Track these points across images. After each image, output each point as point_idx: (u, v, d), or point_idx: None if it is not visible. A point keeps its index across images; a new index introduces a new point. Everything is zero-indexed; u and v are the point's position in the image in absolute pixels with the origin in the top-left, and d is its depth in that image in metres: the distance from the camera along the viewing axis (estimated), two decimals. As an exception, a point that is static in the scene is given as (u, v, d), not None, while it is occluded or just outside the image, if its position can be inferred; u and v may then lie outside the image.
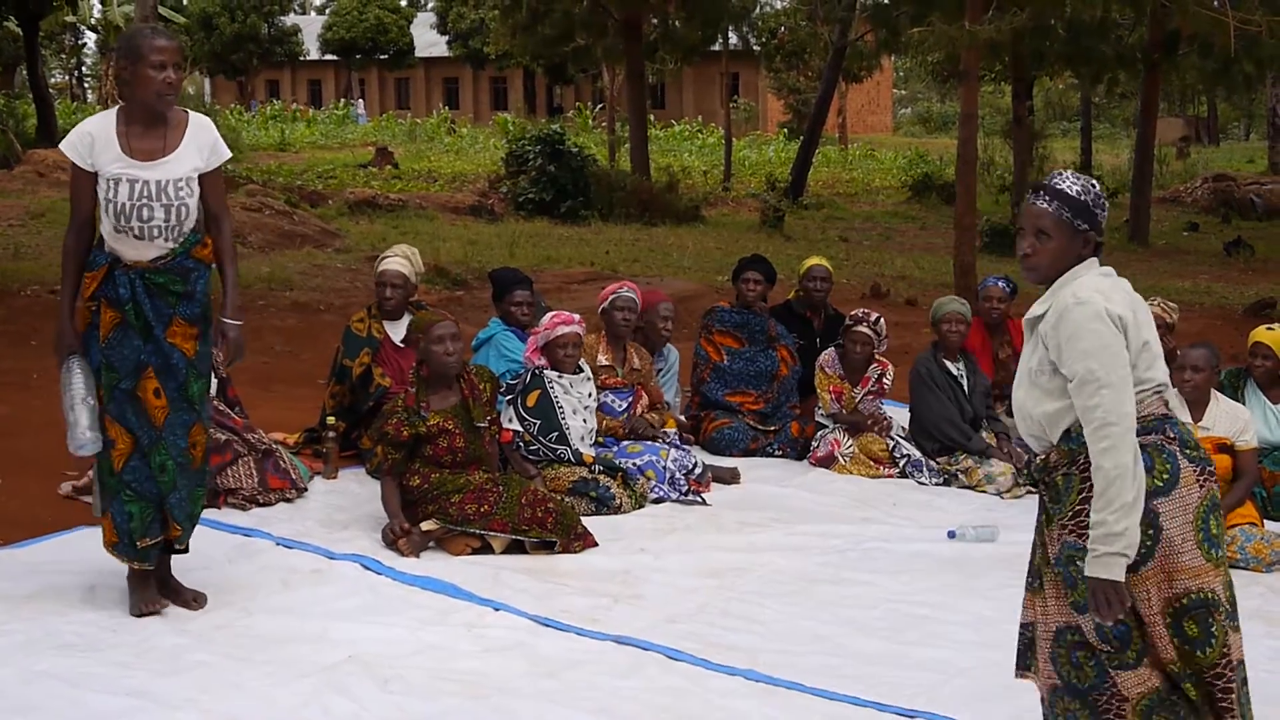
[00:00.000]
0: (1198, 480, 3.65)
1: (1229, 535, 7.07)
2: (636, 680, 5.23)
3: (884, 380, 9.14)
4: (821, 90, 32.17)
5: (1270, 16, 13.48)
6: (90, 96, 58.09)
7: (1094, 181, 3.91)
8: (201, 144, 5.25)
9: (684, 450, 8.13)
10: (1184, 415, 3.93)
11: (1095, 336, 3.62)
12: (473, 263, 15.82)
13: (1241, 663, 3.70)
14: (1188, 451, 3.69)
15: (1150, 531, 3.55)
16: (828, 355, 9.06)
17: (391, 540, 6.63)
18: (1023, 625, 4.05)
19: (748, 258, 9.52)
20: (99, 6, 39.52)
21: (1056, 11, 14.89)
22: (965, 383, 8.78)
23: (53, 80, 42.96)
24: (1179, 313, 9.38)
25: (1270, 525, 7.45)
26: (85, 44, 58.76)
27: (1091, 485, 3.56)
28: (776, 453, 8.89)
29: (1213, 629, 3.59)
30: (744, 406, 9.02)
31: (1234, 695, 3.64)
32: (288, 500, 7.23)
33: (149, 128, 5.15)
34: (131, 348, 5.22)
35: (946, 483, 8.45)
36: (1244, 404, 7.76)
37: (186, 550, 5.68)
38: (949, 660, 5.58)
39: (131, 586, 5.53)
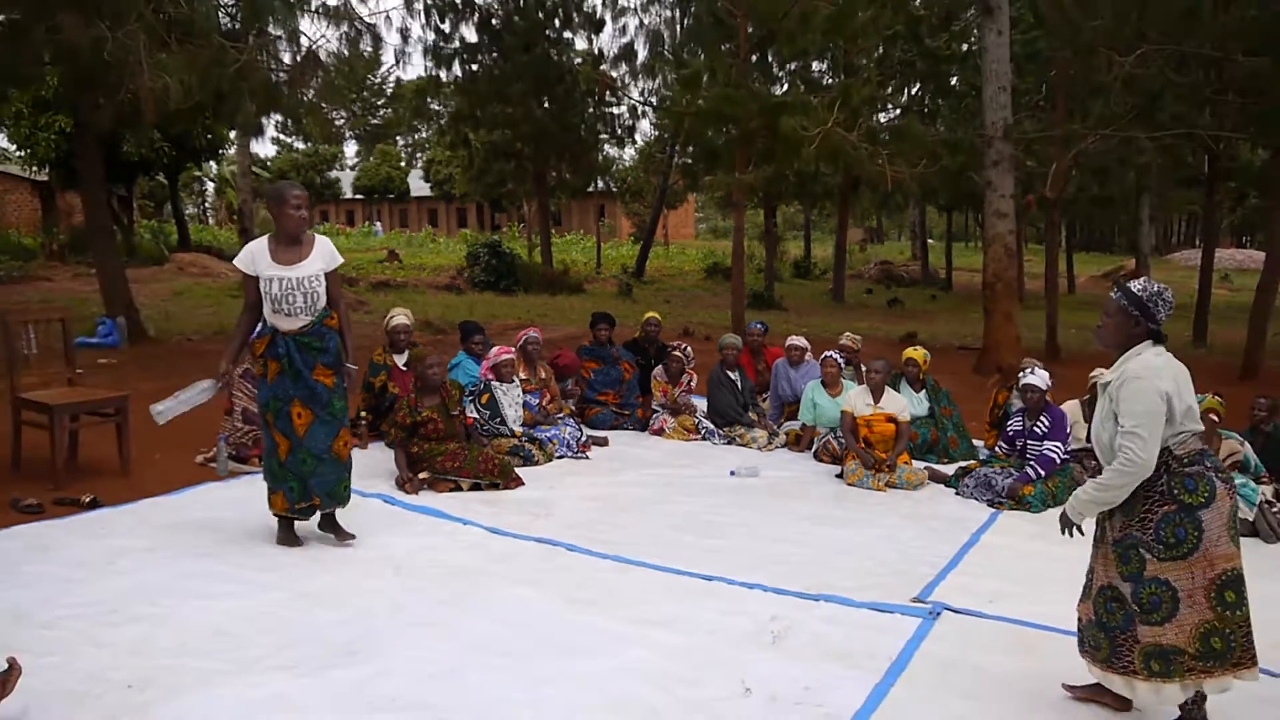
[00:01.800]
0: (1228, 494, 3.42)
1: (900, 472, 7.28)
2: (551, 564, 5.26)
3: (691, 383, 9.23)
4: (653, 213, 32.36)
5: (911, 170, 13.81)
6: (211, 220, 56.73)
7: (1160, 286, 3.59)
8: (324, 254, 5.17)
9: (574, 426, 8.15)
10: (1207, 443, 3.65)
11: (1143, 402, 3.41)
12: (447, 319, 15.69)
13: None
14: (1220, 474, 3.44)
15: (1195, 533, 3.36)
16: (659, 369, 9.13)
17: (401, 485, 6.61)
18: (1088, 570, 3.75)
19: (597, 314, 9.55)
20: (214, 166, 38.71)
21: (788, 166, 15.17)
22: (739, 384, 8.90)
23: (187, 210, 41.93)
24: (862, 341, 9.55)
25: (916, 462, 7.63)
26: (206, 188, 57.35)
27: (1156, 499, 3.42)
28: (629, 427, 8.92)
29: (1243, 593, 3.44)
30: (607, 401, 9.05)
31: (1253, 643, 3.47)
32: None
33: (289, 245, 5.09)
34: (286, 386, 5.12)
35: (729, 443, 8.53)
36: (900, 393, 7.94)
37: (332, 512, 5.46)
38: (731, 545, 5.66)
39: (280, 530, 5.43)
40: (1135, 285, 3.58)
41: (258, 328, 5.20)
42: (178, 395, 5.30)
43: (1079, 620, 3.75)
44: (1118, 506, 3.54)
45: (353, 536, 5.46)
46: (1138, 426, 3.38)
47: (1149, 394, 3.40)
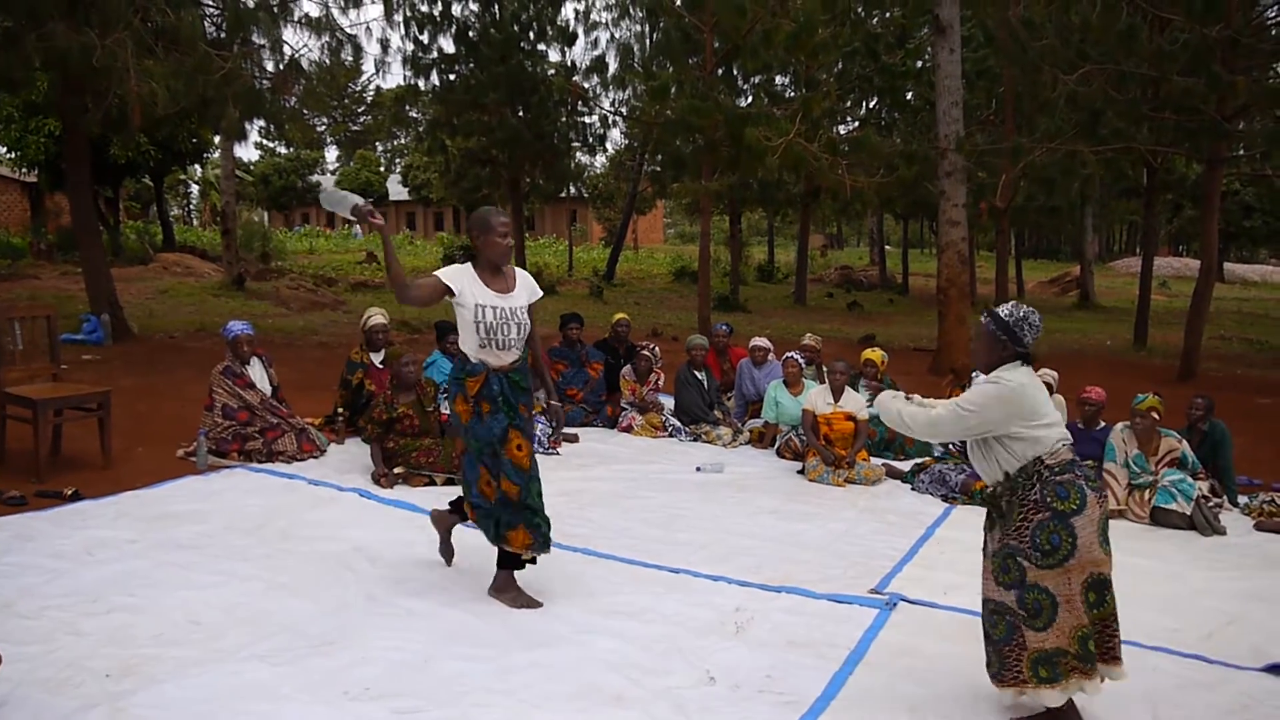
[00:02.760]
0: (1098, 502, 3.41)
1: (858, 468, 7.28)
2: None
3: (659, 382, 9.20)
4: (623, 219, 32.31)
5: (869, 179, 13.88)
6: (195, 221, 56.15)
7: (1027, 311, 3.59)
8: (527, 286, 4.59)
9: (546, 424, 8.09)
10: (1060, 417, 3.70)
11: (985, 398, 3.45)
12: (423, 319, 15.57)
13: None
14: (1091, 484, 3.42)
15: (1070, 539, 3.34)
16: (627, 369, 9.08)
17: (376, 479, 6.51)
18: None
19: (567, 314, 9.50)
20: (199, 169, 38.33)
21: (752, 175, 15.19)
22: (705, 383, 8.88)
23: (171, 212, 41.49)
24: (823, 342, 9.56)
25: (874, 459, 7.64)
26: (191, 190, 56.78)
27: (1031, 507, 3.40)
28: (599, 424, 8.88)
29: (1106, 594, 3.45)
30: (577, 399, 8.99)
31: (1117, 638, 3.51)
32: (315, 458, 7.05)
33: (495, 274, 4.46)
34: (500, 419, 4.35)
35: (695, 440, 8.51)
36: (858, 391, 7.94)
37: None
38: (696, 539, 5.63)
39: (506, 587, 4.56)
40: (1003, 310, 3.60)
41: (466, 364, 4.47)
42: (339, 190, 4.68)
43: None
44: (998, 519, 3.53)
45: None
46: (970, 408, 3.48)
47: (993, 395, 3.46)
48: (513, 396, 4.43)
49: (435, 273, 4.42)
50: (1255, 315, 25.52)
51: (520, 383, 4.48)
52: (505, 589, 4.53)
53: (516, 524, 4.40)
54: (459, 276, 4.39)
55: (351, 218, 4.44)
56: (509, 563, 4.53)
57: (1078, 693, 3.41)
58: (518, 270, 4.65)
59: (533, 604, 4.46)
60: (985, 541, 3.61)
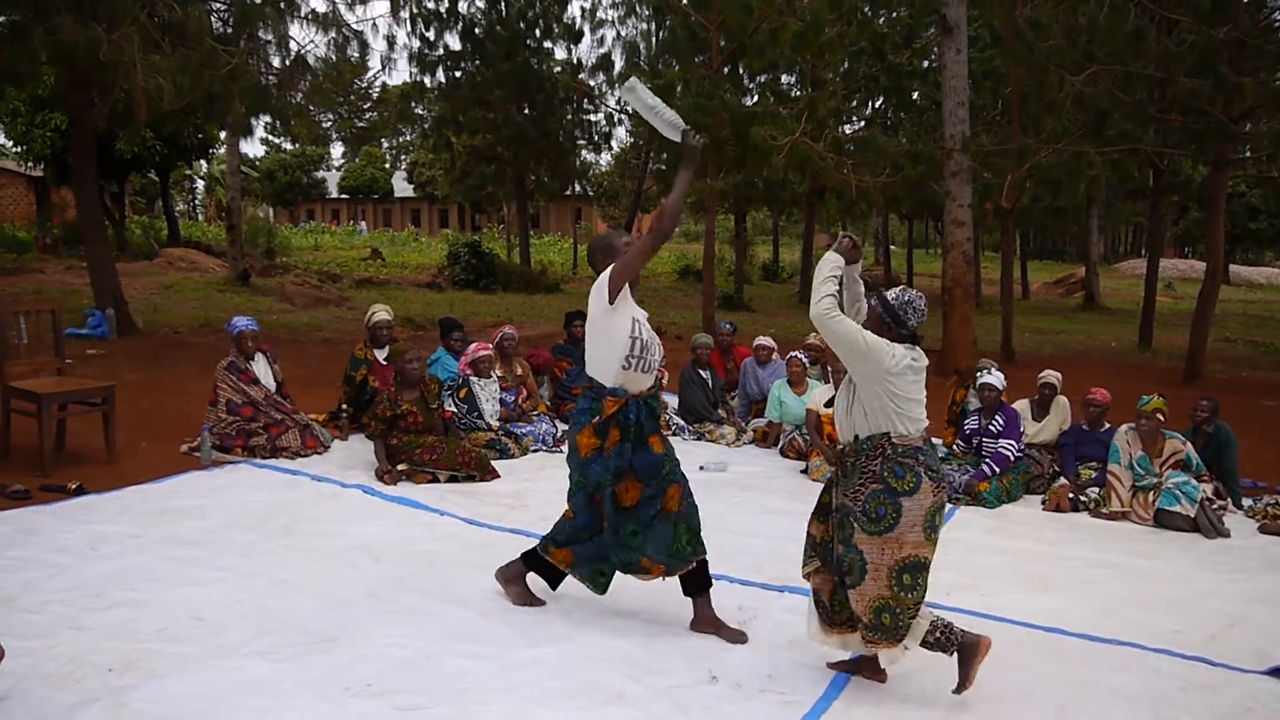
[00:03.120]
0: (933, 491, 3.52)
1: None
2: (523, 553, 5.21)
3: (663, 381, 9.16)
4: (627, 217, 32.26)
5: (874, 179, 13.84)
6: (200, 217, 56.23)
7: (912, 295, 3.67)
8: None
9: (550, 422, 8.09)
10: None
11: (874, 342, 3.54)
12: (428, 316, 15.58)
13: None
14: (930, 472, 3.53)
15: (894, 514, 3.48)
16: (631, 367, 9.06)
17: (380, 476, 6.51)
18: (808, 534, 3.88)
19: (571, 312, 9.46)
20: (205, 165, 38.37)
21: (757, 174, 15.18)
22: (710, 382, 8.87)
23: (177, 207, 41.56)
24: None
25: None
26: (196, 185, 56.86)
27: (869, 477, 3.52)
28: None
29: (919, 580, 3.53)
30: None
31: (915, 621, 3.56)
32: (318, 454, 7.06)
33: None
34: (626, 456, 4.03)
35: (699, 438, 8.51)
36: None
37: (699, 569, 4.24)
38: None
39: (514, 579, 4.46)
40: (890, 294, 3.69)
41: (602, 390, 4.08)
42: (658, 103, 4.12)
43: (816, 593, 3.83)
44: (840, 478, 3.66)
45: (742, 637, 4.21)
46: (862, 339, 3.55)
47: (878, 346, 3.54)
48: (647, 426, 4.11)
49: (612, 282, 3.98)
50: (1261, 317, 25.46)
51: (654, 409, 4.19)
52: (513, 581, 4.47)
53: (582, 569, 4.25)
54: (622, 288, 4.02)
55: (668, 133, 4.10)
56: (536, 565, 4.40)
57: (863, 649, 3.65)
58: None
59: (535, 602, 4.43)
60: (830, 498, 3.77)
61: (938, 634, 3.59)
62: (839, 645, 3.76)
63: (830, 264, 3.71)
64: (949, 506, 6.59)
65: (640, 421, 4.07)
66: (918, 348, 3.67)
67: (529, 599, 4.44)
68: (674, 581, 4.22)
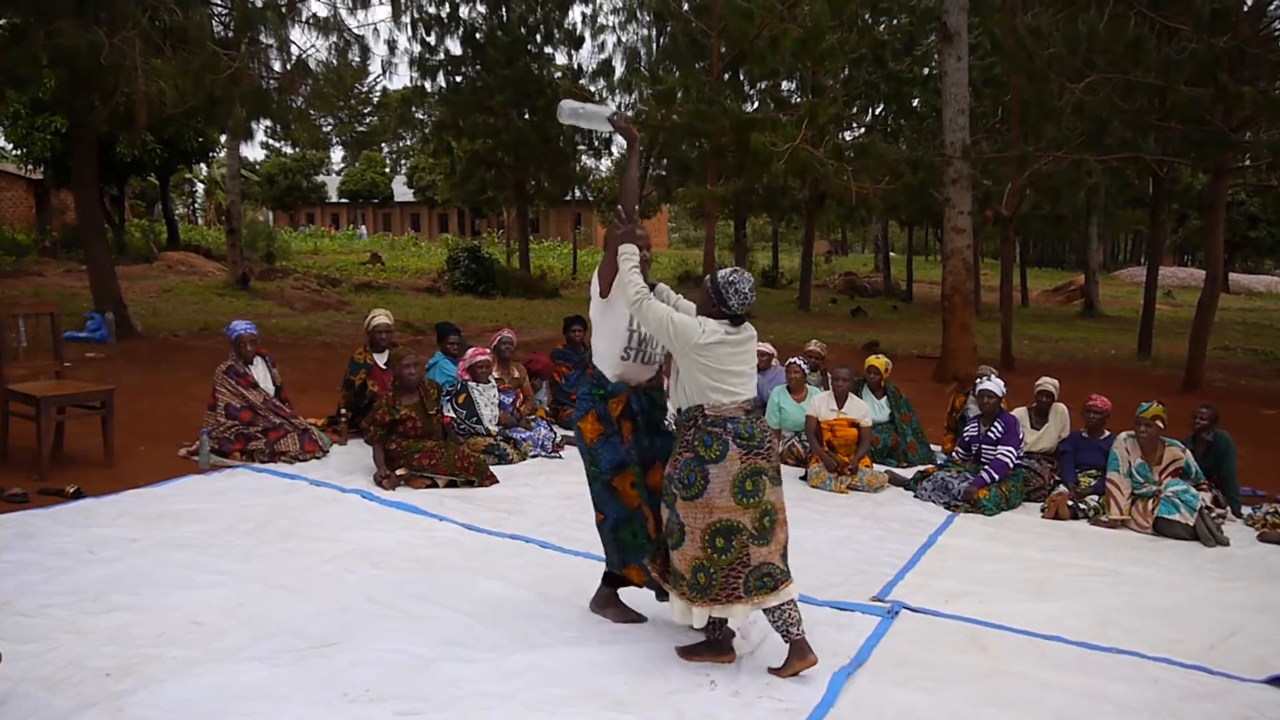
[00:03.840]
0: (740, 458, 3.72)
1: (861, 475, 7.26)
2: (522, 560, 5.20)
3: (664, 387, 9.17)
4: (627, 223, 32.30)
5: (874, 186, 13.87)
6: (200, 220, 56.24)
7: (738, 278, 3.84)
8: None
9: (549, 427, 8.08)
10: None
11: (680, 318, 3.80)
12: (427, 320, 15.58)
13: (760, 565, 3.73)
14: (739, 440, 3.74)
15: (703, 481, 3.72)
16: (631, 372, 9.07)
17: (378, 481, 6.50)
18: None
19: (570, 317, 9.46)
20: (205, 168, 38.43)
21: (757, 180, 15.20)
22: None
23: (176, 210, 41.59)
24: (827, 348, 9.54)
25: (877, 466, 7.61)
26: (196, 189, 56.90)
27: (684, 446, 3.80)
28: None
29: (733, 542, 3.70)
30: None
31: (740, 582, 3.73)
32: (317, 458, 7.06)
33: None
34: (623, 451, 4.10)
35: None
36: (861, 398, 7.92)
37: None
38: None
39: (614, 608, 4.41)
40: (720, 274, 3.90)
41: (604, 383, 4.18)
42: (587, 106, 4.40)
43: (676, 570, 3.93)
44: (672, 449, 3.92)
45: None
46: (676, 321, 3.78)
47: (683, 323, 3.78)
48: (649, 415, 4.20)
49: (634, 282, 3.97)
50: (1260, 326, 25.47)
51: (657, 399, 4.26)
52: (607, 605, 4.43)
53: (630, 563, 4.20)
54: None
55: (605, 130, 4.32)
56: (622, 582, 4.38)
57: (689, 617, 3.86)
58: None
59: (636, 618, 4.37)
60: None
61: (784, 617, 3.82)
62: (681, 615, 3.91)
63: (629, 255, 3.97)
64: (947, 514, 6.60)
65: (644, 411, 4.19)
66: (744, 324, 3.90)
67: (628, 616, 4.38)
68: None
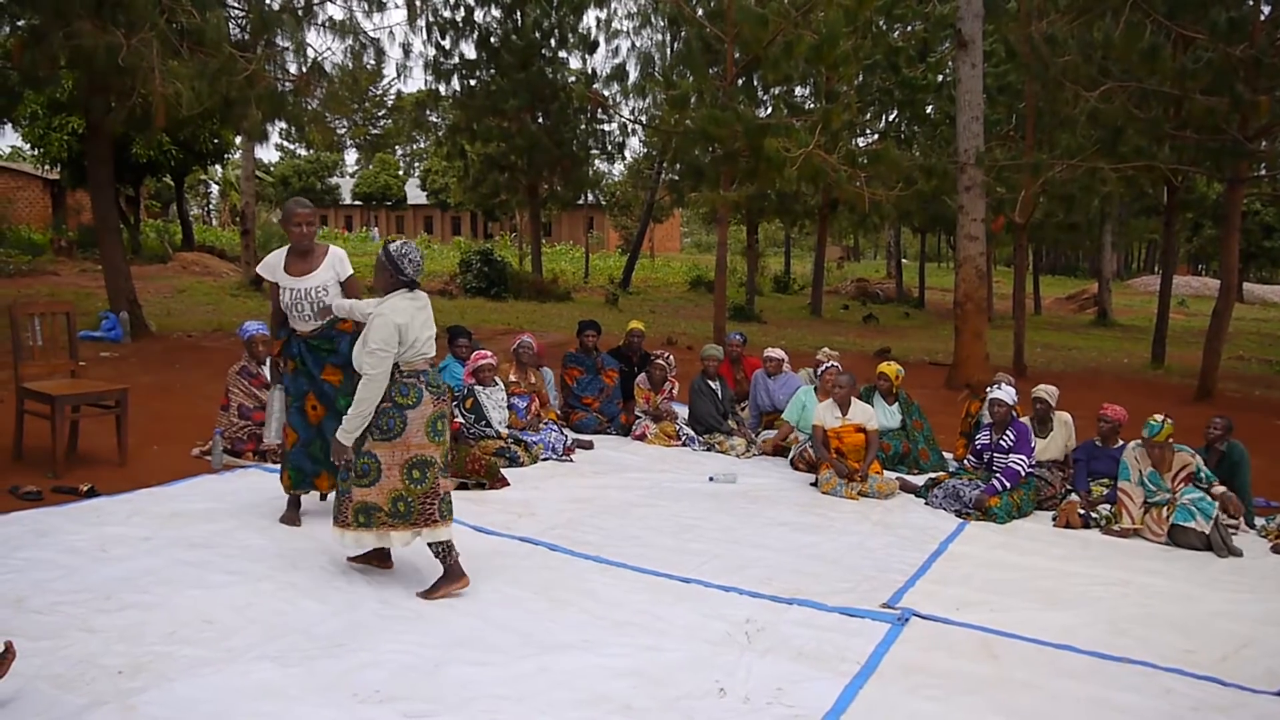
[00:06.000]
0: (432, 403, 4.47)
1: (872, 481, 7.24)
2: (531, 562, 5.20)
3: (673, 391, 9.19)
4: (640, 226, 32.32)
5: (887, 192, 13.84)
6: (214, 221, 56.49)
7: (409, 248, 4.50)
8: (333, 264, 5.38)
9: (560, 431, 8.09)
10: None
11: (383, 332, 4.32)
12: (439, 322, 15.56)
13: (447, 494, 4.51)
14: (430, 388, 4.47)
15: (401, 424, 4.40)
16: (642, 377, 9.08)
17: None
18: None
19: (584, 321, 9.49)
20: (220, 169, 38.59)
21: (770, 185, 15.17)
22: (719, 393, 8.86)
23: (191, 211, 41.77)
24: (839, 354, 9.50)
25: (888, 473, 7.59)
26: (211, 190, 57.15)
27: (385, 399, 4.40)
28: (613, 432, 8.87)
29: (427, 475, 4.43)
30: (593, 406, 8.99)
31: (434, 509, 4.46)
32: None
33: (300, 257, 5.34)
34: (301, 382, 5.40)
35: (709, 449, 8.49)
36: (872, 405, 7.89)
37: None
38: (708, 549, 5.60)
39: (286, 509, 5.62)
40: (392, 245, 4.49)
41: (281, 329, 5.45)
42: (271, 416, 5.56)
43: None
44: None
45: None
46: (377, 348, 4.33)
47: (387, 327, 4.34)
48: (310, 358, 5.36)
49: (258, 268, 5.48)
50: (1275, 336, 25.32)
51: (321, 346, 5.37)
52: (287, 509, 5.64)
53: (284, 469, 5.52)
54: (269, 267, 5.35)
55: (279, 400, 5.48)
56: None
57: (388, 540, 4.51)
58: (331, 249, 5.43)
59: (291, 521, 5.55)
60: None
61: (443, 549, 4.55)
62: (354, 542, 4.56)
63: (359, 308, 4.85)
64: (958, 521, 6.58)
65: (302, 355, 5.36)
66: (418, 289, 4.55)
67: (290, 518, 5.55)
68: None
